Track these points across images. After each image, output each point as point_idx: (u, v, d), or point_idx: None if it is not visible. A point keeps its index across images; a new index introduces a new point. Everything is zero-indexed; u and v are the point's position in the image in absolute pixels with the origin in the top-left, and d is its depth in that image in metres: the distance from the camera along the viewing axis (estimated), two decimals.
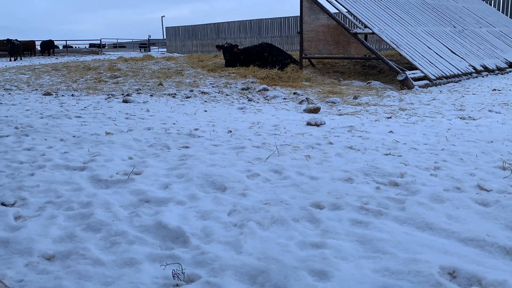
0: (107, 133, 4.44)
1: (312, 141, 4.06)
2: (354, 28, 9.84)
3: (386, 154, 3.62)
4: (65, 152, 3.73)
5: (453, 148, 3.79)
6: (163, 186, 2.85)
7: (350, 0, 10.43)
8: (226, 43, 11.92)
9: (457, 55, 10.48)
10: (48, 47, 30.61)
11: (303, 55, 10.76)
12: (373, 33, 9.65)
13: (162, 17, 51.10)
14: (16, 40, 24.53)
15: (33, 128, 4.70)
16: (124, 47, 50.63)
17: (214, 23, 32.91)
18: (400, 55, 9.53)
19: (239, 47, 11.94)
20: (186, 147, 3.92)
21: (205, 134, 4.41)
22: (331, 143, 3.96)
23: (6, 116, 5.55)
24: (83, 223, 2.30)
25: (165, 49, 38.56)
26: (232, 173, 3.02)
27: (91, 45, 46.26)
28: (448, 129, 4.66)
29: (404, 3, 12.00)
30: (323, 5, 10.14)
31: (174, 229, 2.16)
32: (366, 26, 9.75)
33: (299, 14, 10.63)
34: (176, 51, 36.37)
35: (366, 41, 10.76)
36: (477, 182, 2.81)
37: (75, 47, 48.76)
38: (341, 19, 10.70)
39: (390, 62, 9.02)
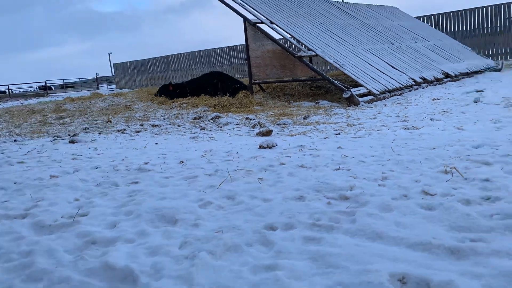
0: (52, 176, 4.24)
1: (265, 163, 4.07)
2: (298, 52, 10.13)
3: (336, 169, 3.69)
4: (5, 201, 3.51)
5: (399, 157, 3.92)
6: (111, 225, 2.74)
7: (292, 26, 10.80)
8: (162, 85, 12.45)
9: (397, 70, 11.02)
10: None
11: (253, 81, 10.92)
12: (317, 55, 9.99)
13: (109, 54, 50.47)
14: None
15: None
16: (73, 86, 49.32)
17: (163, 56, 32.92)
18: (345, 74, 9.89)
19: (183, 81, 12.25)
20: (136, 182, 3.80)
21: (156, 167, 4.31)
22: (283, 164, 3.98)
23: None
24: (23, 274, 2.14)
25: (114, 86, 37.96)
26: (184, 204, 2.95)
27: (40, 88, 44.70)
28: (393, 139, 4.83)
29: (344, 25, 12.56)
30: (267, 31, 10.42)
31: (122, 269, 2.06)
32: (309, 49, 10.08)
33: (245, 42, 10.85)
34: (126, 86, 35.87)
35: (312, 63, 11.11)
36: (422, 188, 2.91)
37: (19, 91, 47.07)
38: (286, 44, 11.01)
39: (335, 81, 9.33)
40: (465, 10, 19.14)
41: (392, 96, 9.67)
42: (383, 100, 9.29)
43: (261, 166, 3.98)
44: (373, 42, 12.23)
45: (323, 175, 3.52)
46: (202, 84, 11.59)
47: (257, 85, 11.47)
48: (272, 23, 10.56)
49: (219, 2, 10.66)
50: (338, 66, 9.70)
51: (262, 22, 10.52)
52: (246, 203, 2.93)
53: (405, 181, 3.17)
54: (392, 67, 11.03)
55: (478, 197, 2.68)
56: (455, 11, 19.46)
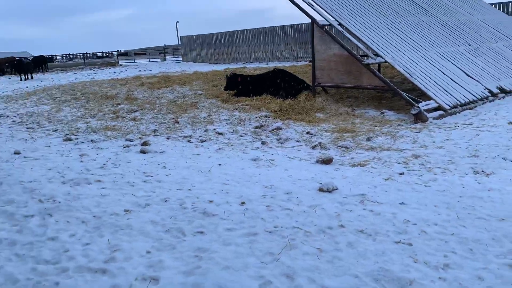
0: (126, 212, 4.62)
1: (323, 222, 4.14)
2: (366, 58, 9.81)
3: (397, 242, 3.69)
4: (87, 244, 3.91)
5: (463, 231, 3.83)
6: None
7: (360, 27, 10.42)
8: (231, 73, 12.28)
9: (472, 78, 10.36)
10: (40, 63, 31.10)
11: (316, 83, 10.80)
12: (386, 61, 9.63)
13: (176, 22, 51.56)
14: (26, 58, 25.36)
15: (55, 204, 4.91)
16: (145, 54, 51.75)
17: (228, 32, 33.10)
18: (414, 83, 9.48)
19: (249, 75, 12.22)
20: (201, 232, 4.06)
21: (219, 210, 4.54)
22: (342, 226, 4.04)
23: (30, 182, 5.79)
24: None
25: (180, 58, 39.00)
26: (244, 284, 3.14)
27: (120, 54, 47.14)
28: (460, 196, 4.68)
29: (417, 24, 11.89)
30: (334, 34, 10.15)
31: None
32: (377, 55, 9.73)
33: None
34: (191, 59, 36.75)
35: (380, 67, 10.74)
36: None
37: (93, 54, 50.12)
38: (353, 47, 10.68)
39: (403, 93, 8.99)
40: None
41: (464, 110, 9.17)
42: (454, 115, 8.86)
43: (320, 225, 4.07)
44: (448, 44, 11.51)
45: (382, 251, 3.55)
46: (265, 82, 11.65)
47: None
48: (340, 24, 10.26)
49: (288, 0, 10.49)
50: (407, 75, 9.31)
51: (330, 24, 10.25)
52: None
53: (467, 276, 3.13)
54: (467, 75, 10.38)
55: None
56: None
